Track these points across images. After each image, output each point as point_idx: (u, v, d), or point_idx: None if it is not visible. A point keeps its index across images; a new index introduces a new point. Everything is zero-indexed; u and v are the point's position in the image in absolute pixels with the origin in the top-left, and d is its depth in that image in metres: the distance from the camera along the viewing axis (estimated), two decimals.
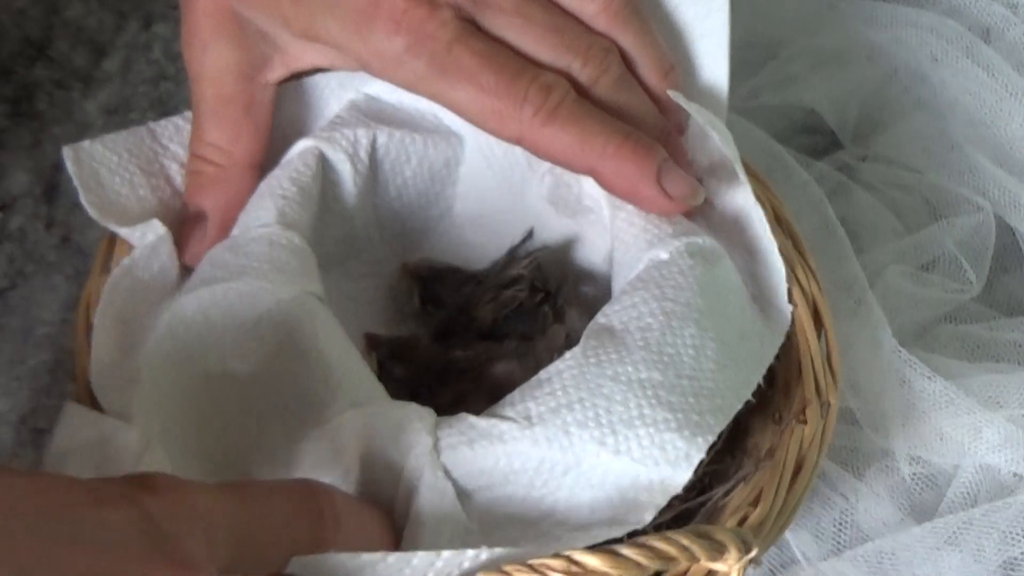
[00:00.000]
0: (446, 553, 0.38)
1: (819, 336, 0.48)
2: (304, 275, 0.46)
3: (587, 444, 0.41)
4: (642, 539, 0.39)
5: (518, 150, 0.51)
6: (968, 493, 0.53)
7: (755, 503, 0.43)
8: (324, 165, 0.50)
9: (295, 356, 0.44)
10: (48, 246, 0.59)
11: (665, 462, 0.41)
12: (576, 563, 0.38)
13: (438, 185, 0.53)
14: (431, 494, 0.42)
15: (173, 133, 0.52)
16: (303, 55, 0.49)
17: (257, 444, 0.43)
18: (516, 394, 0.43)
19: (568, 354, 0.44)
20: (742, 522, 0.43)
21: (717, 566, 0.40)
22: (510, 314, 0.51)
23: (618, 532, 0.41)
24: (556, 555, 0.38)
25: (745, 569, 0.41)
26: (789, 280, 0.48)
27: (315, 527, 0.38)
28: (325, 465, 0.42)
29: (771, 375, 0.47)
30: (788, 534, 0.53)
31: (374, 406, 0.43)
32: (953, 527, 0.51)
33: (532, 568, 0.38)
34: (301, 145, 0.50)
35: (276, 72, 0.50)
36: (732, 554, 0.39)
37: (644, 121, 0.48)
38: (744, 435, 0.47)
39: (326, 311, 0.46)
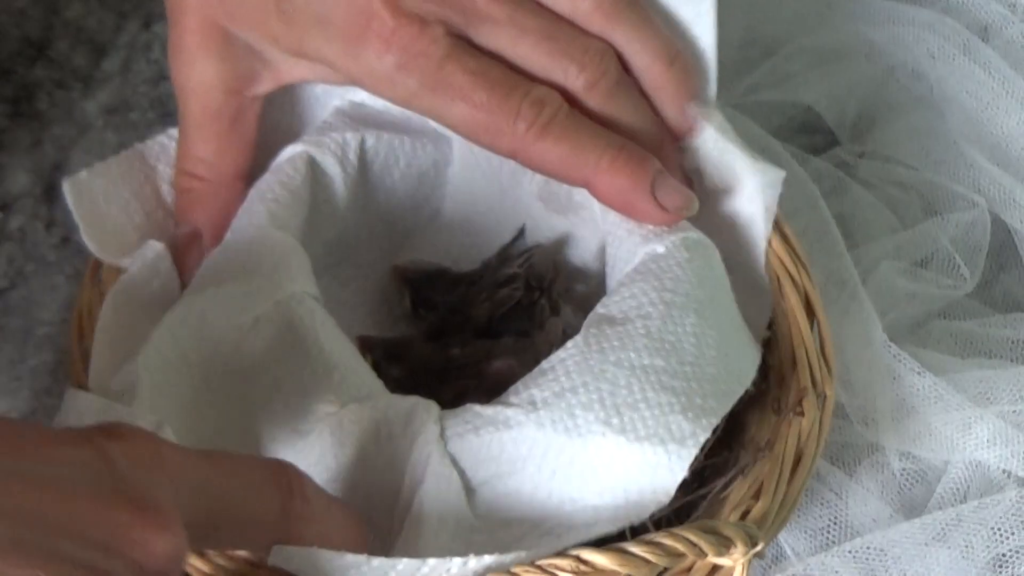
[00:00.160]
0: (431, 561, 0.38)
1: (812, 327, 0.48)
2: (300, 276, 0.46)
3: (592, 425, 0.42)
4: (649, 536, 0.39)
5: None
6: (958, 489, 0.53)
7: (756, 496, 0.44)
8: (314, 169, 0.50)
9: (295, 355, 0.44)
10: (48, 246, 0.59)
11: (671, 440, 0.41)
12: (584, 562, 0.38)
13: (427, 187, 0.53)
14: (437, 482, 0.42)
15: (160, 152, 0.52)
16: (293, 71, 0.49)
17: (258, 443, 0.44)
18: (519, 384, 0.44)
19: (570, 343, 0.44)
20: (744, 516, 0.43)
21: (723, 561, 0.40)
22: (506, 312, 0.51)
23: (629, 522, 0.41)
24: (564, 554, 0.39)
25: (750, 563, 0.42)
26: (780, 272, 0.48)
27: (284, 499, 0.38)
28: (327, 459, 0.43)
29: (765, 367, 0.47)
30: None
31: (377, 400, 0.44)
32: (942, 523, 0.51)
33: (541, 568, 0.38)
34: (290, 150, 0.50)
35: (264, 86, 0.50)
36: (739, 548, 0.39)
37: (641, 125, 0.48)
38: (740, 428, 0.47)
39: (323, 311, 0.46)
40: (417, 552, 0.41)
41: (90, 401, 0.42)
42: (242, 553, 0.40)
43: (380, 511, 0.43)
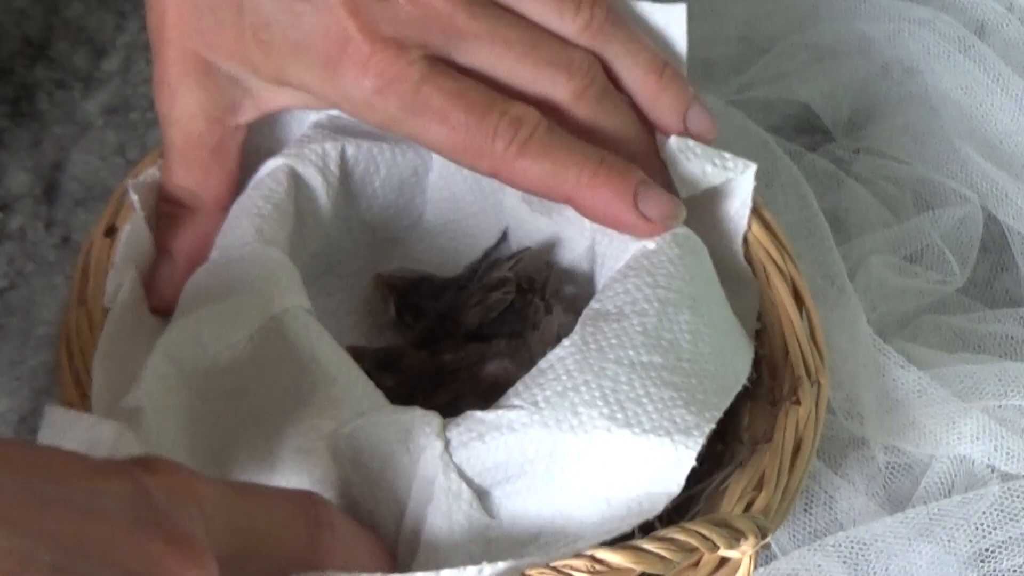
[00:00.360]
0: (445, 572, 0.38)
1: (801, 315, 0.49)
2: (291, 290, 0.46)
3: (597, 421, 0.42)
4: (662, 532, 0.40)
5: None
6: (942, 484, 0.53)
7: (758, 488, 0.44)
8: (296, 181, 0.50)
9: (293, 371, 0.44)
10: (48, 246, 0.59)
11: (677, 432, 0.42)
12: (599, 561, 0.39)
13: (408, 193, 0.53)
14: (446, 498, 0.42)
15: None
16: (274, 98, 0.49)
17: (260, 462, 0.43)
18: (519, 385, 0.44)
19: (566, 341, 0.44)
20: (748, 507, 0.43)
21: (732, 553, 0.40)
22: (497, 316, 0.51)
23: (642, 518, 0.41)
24: (579, 554, 0.39)
25: (757, 555, 0.42)
26: (766, 262, 0.49)
27: (312, 532, 0.38)
28: (331, 477, 0.43)
29: (756, 359, 0.48)
30: None
31: (379, 414, 0.44)
32: (926, 518, 0.52)
33: (556, 570, 0.38)
34: (270, 164, 0.50)
35: (246, 115, 0.50)
36: (750, 540, 0.39)
37: (629, 132, 0.49)
38: (734, 421, 0.48)
39: (318, 324, 0.46)
40: (439, 568, 0.41)
41: (74, 419, 0.41)
42: None
43: (384, 528, 0.43)
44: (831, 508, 0.53)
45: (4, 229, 0.60)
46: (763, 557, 0.51)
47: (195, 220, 0.50)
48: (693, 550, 0.39)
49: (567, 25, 0.48)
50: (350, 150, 0.51)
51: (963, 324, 0.59)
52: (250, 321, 0.45)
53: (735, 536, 0.39)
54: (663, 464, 0.42)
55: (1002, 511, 0.52)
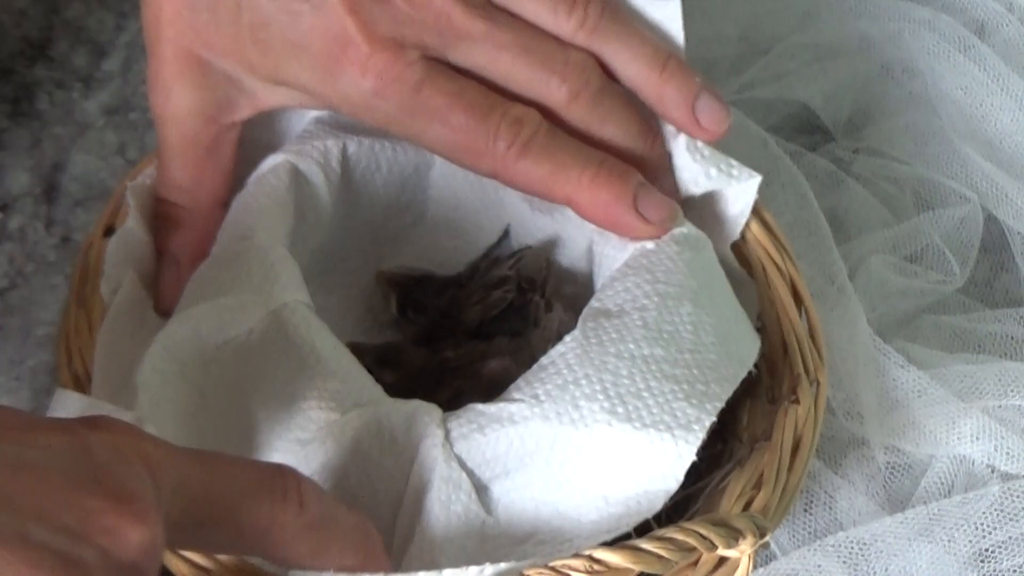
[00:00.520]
0: (447, 572, 0.38)
1: (800, 314, 0.49)
2: (291, 285, 0.46)
3: (598, 415, 0.42)
4: (660, 532, 0.40)
5: None
6: (942, 483, 0.54)
7: (757, 487, 0.44)
8: (297, 178, 0.50)
9: (293, 364, 0.44)
10: (48, 246, 0.59)
11: (677, 426, 0.42)
12: (597, 561, 0.38)
13: (409, 191, 0.53)
14: (446, 487, 0.42)
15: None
16: (270, 98, 0.49)
17: (260, 454, 0.43)
18: (521, 380, 0.44)
19: (568, 337, 0.45)
20: (747, 506, 0.43)
21: (730, 553, 0.40)
22: (497, 314, 0.51)
23: (641, 516, 0.41)
24: (577, 555, 0.39)
25: (756, 554, 0.42)
26: (765, 261, 0.49)
27: (275, 505, 0.37)
28: (330, 467, 0.43)
29: None
30: None
31: (379, 404, 0.44)
32: (926, 518, 0.52)
33: (554, 570, 0.38)
34: (272, 160, 0.50)
35: (242, 113, 0.50)
36: (748, 540, 0.39)
37: (627, 134, 0.48)
38: (733, 420, 0.48)
39: (317, 319, 0.46)
40: (433, 559, 0.41)
41: (77, 400, 0.42)
42: (224, 556, 0.40)
43: (384, 517, 0.43)
44: (831, 508, 0.53)
45: (4, 229, 0.60)
46: (762, 557, 0.51)
47: (194, 219, 0.50)
48: (691, 550, 0.39)
49: (562, 24, 0.48)
50: (352, 147, 0.51)
51: (963, 324, 0.59)
52: (250, 315, 0.45)
53: (733, 535, 0.40)
54: (663, 459, 0.42)
55: (1002, 511, 0.52)
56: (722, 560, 0.42)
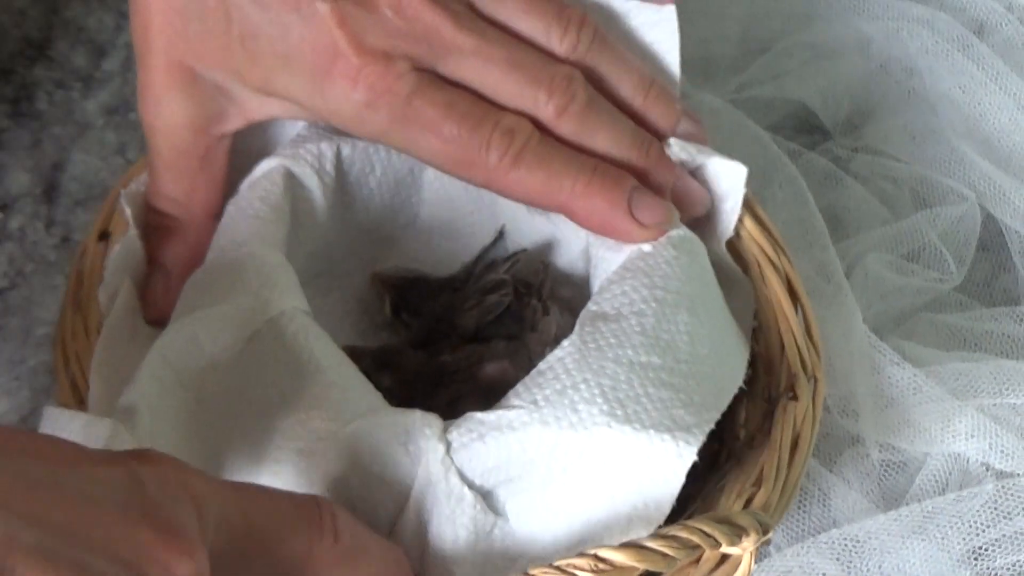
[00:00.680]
0: None
1: (796, 311, 0.49)
2: (288, 292, 0.46)
3: (597, 417, 0.42)
4: (664, 530, 0.40)
5: None
6: (937, 481, 0.54)
7: (757, 484, 0.44)
8: (292, 182, 0.50)
9: (292, 373, 0.44)
10: (48, 246, 0.60)
11: (677, 428, 0.42)
12: (602, 560, 0.38)
13: (403, 193, 0.53)
14: (449, 502, 0.42)
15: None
16: (261, 109, 0.49)
17: (259, 464, 0.43)
18: (520, 387, 0.44)
19: (565, 342, 0.45)
20: (747, 504, 0.44)
21: (733, 550, 0.40)
22: (495, 318, 0.51)
23: (649, 521, 0.41)
24: (582, 554, 0.39)
25: (758, 551, 0.42)
26: (760, 259, 0.49)
27: (311, 537, 0.38)
28: (330, 478, 0.43)
29: (752, 355, 0.48)
30: None
31: (379, 416, 0.44)
32: (920, 515, 0.52)
33: (559, 569, 0.38)
34: (266, 165, 0.50)
35: (232, 124, 0.49)
36: (751, 537, 0.40)
37: (617, 145, 0.48)
38: (731, 418, 0.48)
39: (316, 326, 0.46)
40: (452, 574, 0.41)
41: (71, 417, 0.42)
42: None
43: (383, 529, 0.43)
44: (825, 505, 0.53)
45: (4, 229, 0.60)
46: (758, 554, 0.52)
47: (185, 230, 0.50)
48: (695, 547, 0.39)
49: (554, 47, 0.48)
50: (346, 150, 0.51)
51: (959, 322, 0.59)
52: (248, 323, 0.45)
53: (736, 533, 0.40)
54: (664, 460, 0.42)
55: (996, 509, 0.52)
56: (724, 558, 0.42)
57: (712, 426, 0.43)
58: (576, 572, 0.38)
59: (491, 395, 0.45)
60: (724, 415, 0.44)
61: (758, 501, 0.43)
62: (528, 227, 0.53)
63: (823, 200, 0.61)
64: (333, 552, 0.38)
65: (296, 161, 0.50)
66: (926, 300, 0.60)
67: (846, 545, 0.51)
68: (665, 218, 0.47)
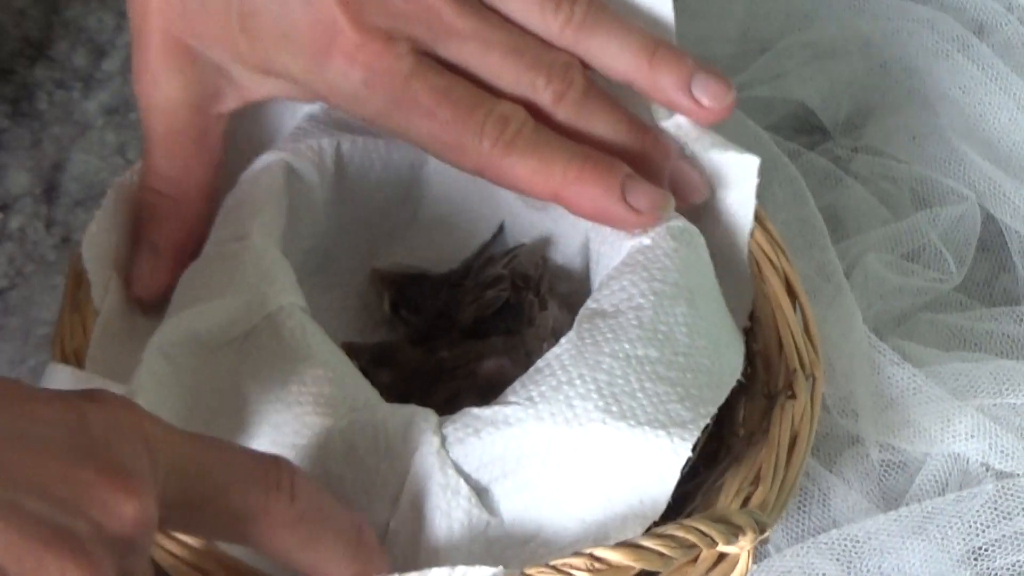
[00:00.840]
0: (460, 568, 0.38)
1: (794, 308, 0.49)
2: (286, 287, 0.46)
3: (592, 414, 0.42)
4: (660, 529, 0.40)
5: None
6: (937, 481, 0.54)
7: (755, 483, 0.44)
8: (291, 176, 0.50)
9: (288, 369, 0.44)
10: (48, 246, 0.60)
11: (672, 424, 0.42)
12: (598, 559, 0.38)
13: (403, 189, 0.53)
14: (444, 494, 0.42)
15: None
16: (258, 88, 0.49)
17: None
18: (517, 384, 0.44)
19: (563, 340, 0.45)
20: (745, 502, 0.43)
21: (730, 549, 0.40)
22: (493, 313, 0.51)
23: (645, 518, 0.41)
24: (578, 553, 0.39)
25: (756, 550, 0.42)
26: (759, 257, 0.49)
27: (267, 493, 0.37)
28: (327, 472, 0.43)
29: (750, 353, 0.48)
30: None
31: (374, 411, 0.44)
32: (920, 516, 0.52)
33: (555, 569, 0.38)
34: (266, 159, 0.50)
35: (229, 104, 0.49)
36: (748, 536, 0.40)
37: (615, 134, 0.48)
38: (729, 417, 0.48)
39: (313, 323, 0.46)
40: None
41: (70, 374, 0.42)
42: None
43: (379, 523, 0.43)
44: (825, 505, 0.53)
45: (4, 229, 0.60)
46: (757, 554, 0.52)
47: (178, 210, 0.50)
48: (692, 546, 0.39)
49: (549, 21, 0.48)
50: (346, 145, 0.51)
51: (959, 322, 0.59)
52: (245, 319, 0.45)
53: (733, 532, 0.40)
54: (659, 456, 0.42)
55: (996, 509, 0.52)
56: (721, 556, 0.42)
57: (708, 421, 0.43)
58: (572, 571, 0.38)
59: (489, 391, 0.45)
60: (722, 413, 0.45)
61: (756, 500, 0.43)
62: (527, 223, 0.53)
63: (823, 200, 0.61)
64: (288, 512, 0.37)
65: (296, 156, 0.50)
66: (926, 300, 0.60)
67: (846, 545, 0.51)
68: (661, 204, 0.47)
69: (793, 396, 0.46)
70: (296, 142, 0.51)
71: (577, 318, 0.46)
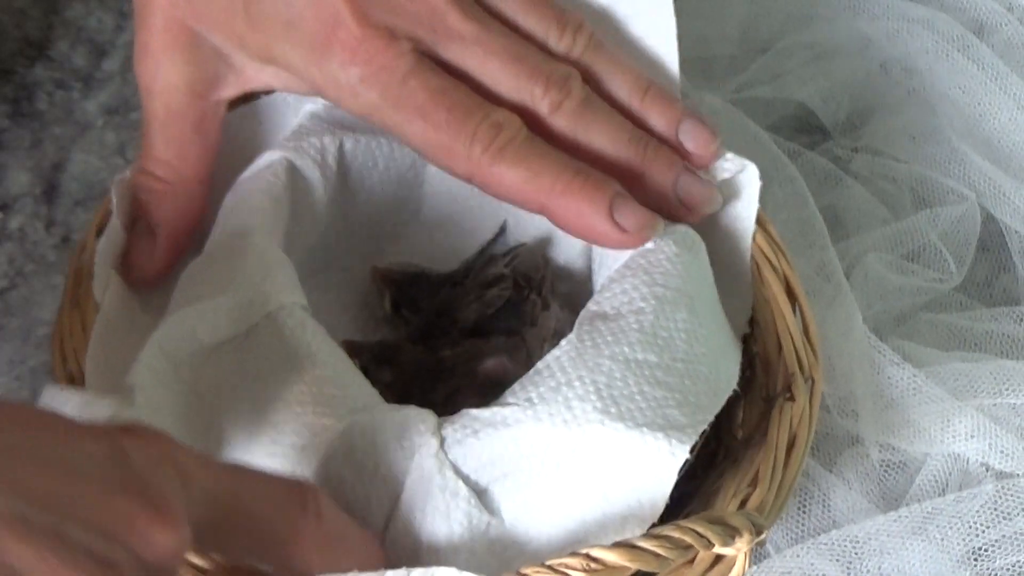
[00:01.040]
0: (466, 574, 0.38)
1: (794, 311, 0.49)
2: (287, 286, 0.46)
3: (590, 415, 0.42)
4: (657, 530, 0.40)
5: None
6: (937, 482, 0.54)
7: (753, 484, 0.44)
8: (293, 174, 0.50)
9: (288, 369, 0.44)
10: (48, 246, 0.60)
11: (670, 427, 0.42)
12: (594, 559, 0.38)
13: (405, 188, 0.53)
14: (443, 496, 0.42)
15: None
16: (258, 76, 0.49)
17: (253, 457, 0.43)
18: (516, 385, 0.44)
19: (563, 342, 0.45)
20: (742, 504, 0.43)
21: (726, 550, 0.40)
22: (494, 313, 0.51)
23: (643, 520, 0.41)
24: (574, 553, 0.39)
25: (752, 552, 0.42)
26: (759, 259, 0.49)
27: (297, 518, 0.38)
28: (326, 472, 0.43)
29: (750, 356, 0.48)
30: None
31: (374, 411, 0.44)
32: (920, 516, 0.52)
33: (551, 568, 0.38)
34: (268, 157, 0.50)
35: (229, 91, 0.49)
36: (745, 538, 0.40)
37: (611, 146, 0.48)
38: (727, 418, 0.48)
39: (313, 322, 0.46)
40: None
41: (69, 396, 0.42)
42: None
43: (376, 525, 0.43)
44: (825, 506, 0.53)
45: (4, 229, 0.60)
46: (756, 555, 0.52)
47: (175, 194, 0.50)
48: (688, 547, 0.39)
49: (552, 46, 0.49)
50: (348, 144, 0.51)
51: (959, 322, 0.59)
52: (246, 317, 0.45)
53: (730, 533, 0.40)
54: (657, 458, 0.42)
55: (996, 510, 0.52)
56: (718, 558, 0.42)
57: (706, 427, 0.43)
58: (568, 572, 0.38)
59: (489, 391, 0.45)
60: (721, 414, 0.44)
61: (753, 502, 0.43)
62: (529, 222, 0.53)
63: (823, 200, 0.61)
64: (316, 534, 0.38)
65: (298, 154, 0.50)
66: (926, 300, 0.60)
67: (846, 546, 0.51)
68: (648, 225, 0.47)
69: (792, 399, 0.46)
70: (298, 140, 0.51)
71: (578, 320, 0.46)
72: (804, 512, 0.53)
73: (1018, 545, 0.52)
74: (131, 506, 0.33)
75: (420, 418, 0.43)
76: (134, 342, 0.45)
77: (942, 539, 0.51)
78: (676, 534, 0.39)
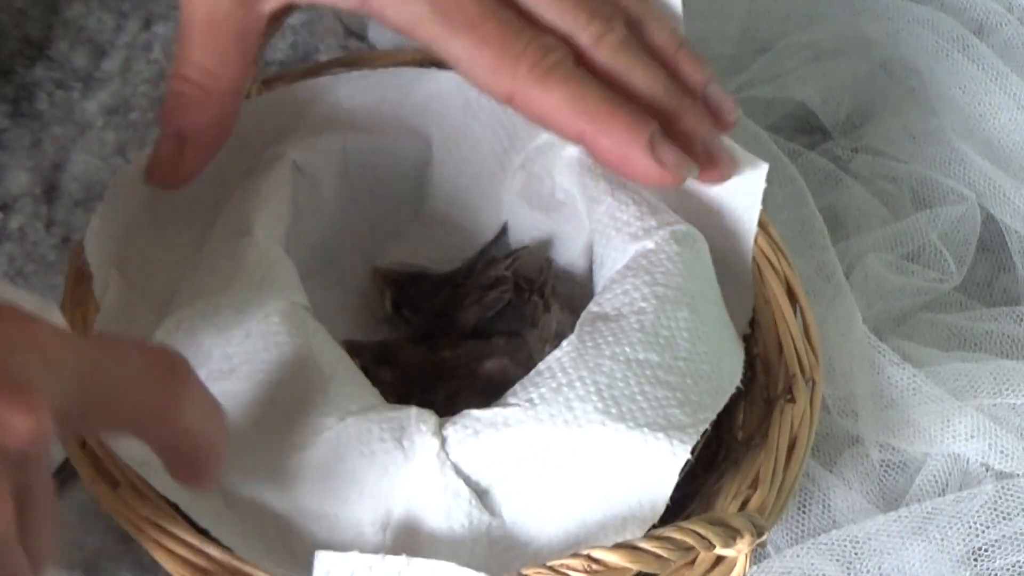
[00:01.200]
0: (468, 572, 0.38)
1: (794, 312, 0.49)
2: (288, 286, 0.46)
3: (591, 415, 0.42)
4: (658, 531, 0.40)
5: (487, 147, 0.51)
6: (937, 482, 0.54)
7: (753, 486, 0.44)
8: (296, 173, 0.50)
9: (288, 369, 0.44)
10: (48, 246, 0.60)
11: (671, 427, 0.42)
12: (596, 560, 0.39)
13: (407, 187, 0.53)
14: (444, 496, 0.42)
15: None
16: None
17: (253, 459, 0.43)
18: (517, 386, 0.44)
19: (564, 343, 0.45)
20: (743, 505, 0.44)
21: (727, 552, 0.40)
22: (495, 314, 0.51)
23: (644, 520, 0.41)
24: (575, 554, 0.39)
25: (754, 552, 0.42)
26: (760, 261, 0.49)
27: (166, 381, 0.37)
28: (326, 473, 0.43)
29: (750, 357, 0.48)
30: None
31: (374, 411, 0.44)
32: (920, 516, 0.52)
33: (552, 569, 0.38)
34: (272, 154, 0.50)
35: (272, 2, 0.48)
36: (746, 539, 0.40)
37: (649, 86, 0.48)
38: (728, 420, 0.48)
39: (314, 321, 0.46)
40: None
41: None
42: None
43: (371, 524, 0.43)
44: (825, 506, 0.53)
45: (4, 229, 0.60)
46: (757, 555, 0.52)
47: (209, 100, 0.49)
48: (689, 549, 0.39)
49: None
50: (351, 143, 0.51)
51: (959, 322, 0.59)
52: (248, 317, 0.45)
53: (731, 535, 0.40)
54: (658, 458, 0.42)
55: (996, 510, 0.52)
56: (719, 559, 0.42)
57: (707, 426, 0.43)
58: (569, 572, 0.38)
59: (490, 392, 0.45)
60: (722, 415, 0.45)
61: (754, 503, 0.43)
62: (530, 224, 0.53)
63: (823, 200, 0.61)
64: (184, 393, 0.37)
65: (303, 152, 0.50)
66: (926, 300, 0.60)
67: (846, 546, 0.51)
68: (685, 164, 0.46)
69: (792, 400, 0.46)
70: (303, 138, 0.51)
71: (579, 321, 0.46)
72: (804, 512, 0.53)
73: (1018, 545, 0.52)
74: None
75: (421, 418, 0.43)
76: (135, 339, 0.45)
77: (942, 539, 0.51)
78: (677, 535, 0.39)
